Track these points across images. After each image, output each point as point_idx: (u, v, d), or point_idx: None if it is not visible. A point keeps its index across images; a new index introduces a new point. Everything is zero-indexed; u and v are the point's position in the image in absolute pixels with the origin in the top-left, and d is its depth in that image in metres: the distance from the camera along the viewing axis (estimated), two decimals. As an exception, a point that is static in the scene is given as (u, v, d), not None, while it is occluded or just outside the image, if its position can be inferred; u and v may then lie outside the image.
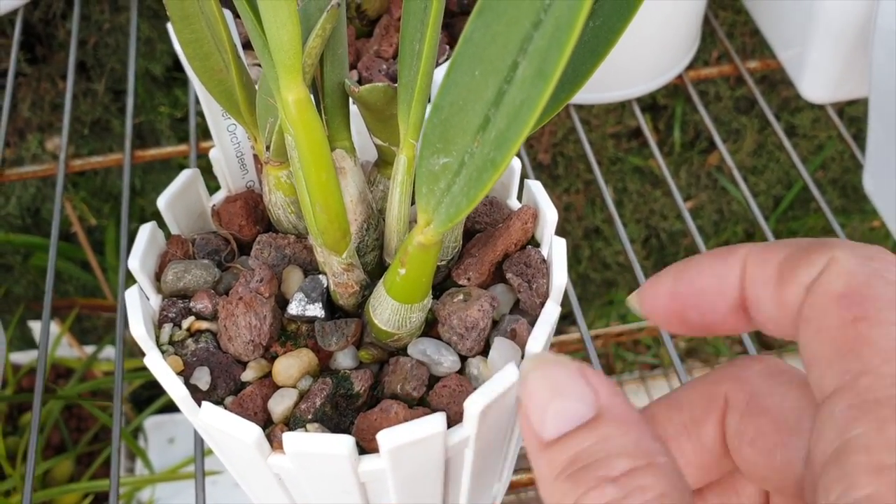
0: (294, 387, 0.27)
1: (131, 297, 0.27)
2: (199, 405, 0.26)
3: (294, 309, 0.28)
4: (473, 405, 0.25)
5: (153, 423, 0.91)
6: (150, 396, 0.94)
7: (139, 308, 0.27)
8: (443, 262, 0.29)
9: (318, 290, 0.28)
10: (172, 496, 0.88)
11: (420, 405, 0.27)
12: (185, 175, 0.30)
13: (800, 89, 0.54)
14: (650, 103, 0.90)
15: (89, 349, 0.94)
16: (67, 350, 0.94)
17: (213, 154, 0.31)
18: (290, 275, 0.29)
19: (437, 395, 0.27)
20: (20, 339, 0.96)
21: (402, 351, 0.28)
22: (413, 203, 0.28)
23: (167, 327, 0.28)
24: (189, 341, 0.28)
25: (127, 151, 0.49)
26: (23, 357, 0.90)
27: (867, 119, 0.91)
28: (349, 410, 0.27)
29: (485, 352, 0.28)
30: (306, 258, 0.29)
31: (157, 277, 0.29)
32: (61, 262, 0.91)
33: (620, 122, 0.92)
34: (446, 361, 0.27)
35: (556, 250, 0.28)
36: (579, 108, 0.75)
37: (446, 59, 0.37)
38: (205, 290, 0.28)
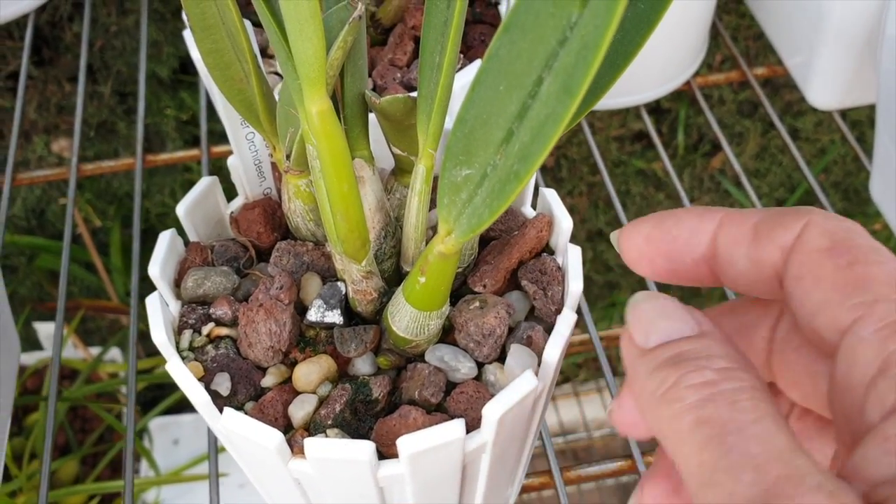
0: (314, 392, 0.27)
1: (152, 303, 0.27)
2: (220, 411, 0.26)
3: (313, 315, 0.28)
4: (492, 412, 0.25)
5: (158, 425, 0.91)
6: (154, 398, 0.95)
7: (160, 314, 0.27)
8: (459, 270, 0.29)
9: (336, 296, 0.28)
10: (177, 497, 0.88)
11: (438, 411, 0.27)
12: (203, 183, 0.30)
13: (806, 96, 0.54)
14: (654, 106, 0.90)
15: (93, 350, 0.94)
16: (71, 351, 0.95)
17: (231, 161, 0.31)
18: (309, 282, 0.29)
19: (454, 401, 0.27)
20: (25, 341, 0.97)
21: (420, 357, 0.28)
22: (432, 209, 0.28)
23: (187, 333, 0.28)
24: (209, 347, 0.28)
25: (139, 156, 0.49)
26: (28, 358, 0.91)
27: (872, 124, 0.91)
28: (368, 416, 0.27)
29: (501, 358, 0.28)
30: (324, 265, 0.29)
31: (177, 284, 0.30)
32: (66, 263, 0.92)
33: (624, 125, 0.92)
34: (464, 368, 0.27)
35: (571, 258, 0.29)
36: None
37: (460, 69, 0.37)
38: (224, 297, 0.29)
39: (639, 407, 0.21)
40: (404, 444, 0.24)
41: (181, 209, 0.30)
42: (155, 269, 0.28)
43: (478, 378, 0.28)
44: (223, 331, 0.28)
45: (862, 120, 0.93)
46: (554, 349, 0.26)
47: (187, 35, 0.28)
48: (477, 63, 0.37)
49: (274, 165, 0.31)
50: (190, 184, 0.91)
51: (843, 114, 0.91)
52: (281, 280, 0.27)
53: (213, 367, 0.27)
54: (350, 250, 0.27)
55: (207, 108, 0.55)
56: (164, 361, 0.87)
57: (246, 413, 0.26)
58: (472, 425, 0.26)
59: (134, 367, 0.43)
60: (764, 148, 0.96)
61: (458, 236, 0.23)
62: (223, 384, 0.27)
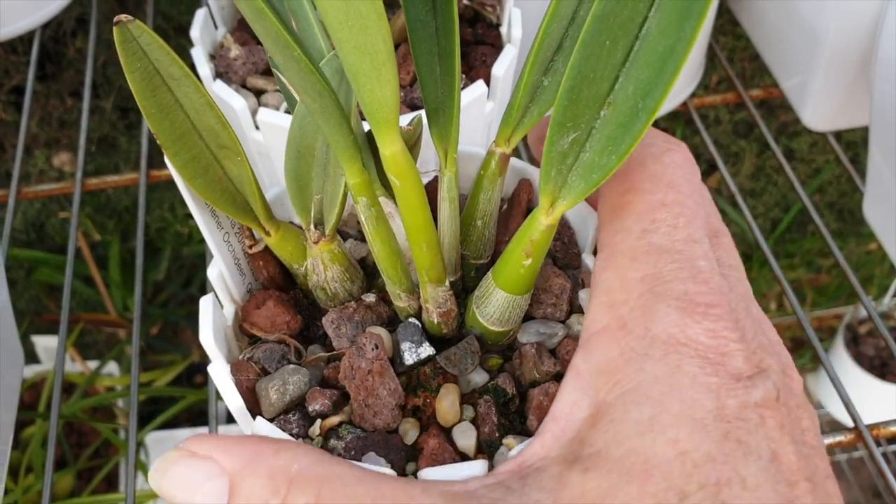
0: (462, 420, 0.27)
1: (262, 427, 0.26)
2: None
3: (410, 358, 0.27)
4: None
5: (154, 439, 0.91)
6: (150, 412, 0.95)
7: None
8: (484, 262, 0.30)
9: (417, 332, 0.28)
10: (173, 512, 0.88)
11: (555, 379, 0.27)
12: (208, 305, 0.28)
13: (802, 117, 0.55)
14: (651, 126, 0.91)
15: (91, 364, 0.94)
16: (69, 364, 0.95)
17: (212, 273, 0.29)
18: (369, 331, 0.28)
19: (564, 361, 0.27)
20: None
21: (510, 347, 0.29)
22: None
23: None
24: (332, 442, 0.26)
25: (143, 171, 0.50)
26: (25, 371, 0.91)
27: (866, 145, 0.92)
28: (513, 415, 0.27)
29: (572, 311, 0.29)
30: (372, 316, 0.29)
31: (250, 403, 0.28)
32: (63, 276, 0.92)
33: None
34: (558, 331, 0.28)
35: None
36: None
37: (464, 87, 0.38)
38: (313, 391, 0.27)
39: None
40: None
41: (208, 339, 0.28)
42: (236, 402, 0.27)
43: (567, 336, 0.29)
44: (334, 420, 0.27)
45: (857, 141, 0.94)
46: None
47: (168, 162, 0.27)
48: (480, 83, 0.38)
49: (254, 257, 0.30)
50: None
51: (838, 135, 0.92)
52: (372, 341, 0.27)
53: (353, 454, 0.26)
54: (435, 276, 0.27)
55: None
56: (161, 374, 0.86)
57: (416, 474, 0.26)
58: None
59: (136, 380, 0.43)
60: (759, 168, 0.97)
61: (570, 200, 0.24)
62: (379, 463, 0.26)
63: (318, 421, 0.26)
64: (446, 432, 0.27)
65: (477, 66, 0.40)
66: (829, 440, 0.42)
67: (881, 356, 1.00)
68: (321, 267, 0.28)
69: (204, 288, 1.02)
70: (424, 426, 0.27)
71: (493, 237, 0.30)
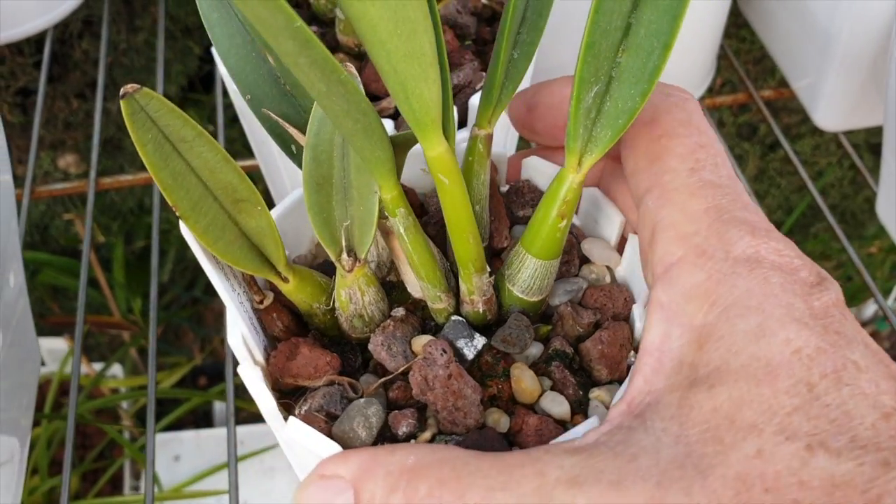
0: (543, 391, 0.27)
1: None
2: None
3: (469, 353, 0.28)
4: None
5: (159, 441, 0.91)
6: (157, 413, 0.95)
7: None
8: (483, 245, 0.30)
9: (464, 327, 0.28)
10: (177, 514, 0.88)
11: (595, 327, 0.29)
12: (253, 374, 0.27)
13: (813, 118, 0.55)
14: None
15: (95, 366, 0.94)
16: (71, 366, 0.95)
17: (235, 339, 0.27)
18: (419, 342, 0.28)
19: (592, 306, 0.30)
20: (26, 356, 0.97)
21: (544, 314, 0.30)
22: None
23: None
24: None
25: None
26: (30, 373, 0.90)
27: (869, 148, 0.93)
28: (579, 371, 0.28)
29: (581, 264, 0.31)
30: (409, 329, 0.29)
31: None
32: (67, 278, 0.92)
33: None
34: (581, 284, 0.30)
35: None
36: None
37: (481, 87, 0.38)
38: (396, 415, 0.27)
39: None
40: None
41: (270, 406, 0.27)
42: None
43: (588, 286, 0.30)
44: (427, 435, 0.26)
45: (859, 143, 0.94)
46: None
47: (187, 234, 0.26)
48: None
49: (265, 311, 0.29)
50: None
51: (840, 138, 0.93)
52: (438, 347, 0.27)
53: None
54: (479, 265, 0.27)
55: (225, 126, 0.55)
56: (165, 377, 0.86)
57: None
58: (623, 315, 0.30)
59: (153, 379, 0.43)
60: (762, 171, 0.97)
61: (598, 152, 0.25)
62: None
63: (412, 442, 0.26)
64: (532, 409, 0.27)
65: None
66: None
67: (884, 358, 1.00)
68: (358, 293, 0.28)
69: (207, 290, 1.02)
70: (510, 411, 0.27)
71: (489, 220, 0.30)
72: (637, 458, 0.21)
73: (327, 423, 0.26)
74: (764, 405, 0.21)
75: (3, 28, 0.55)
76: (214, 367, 1.06)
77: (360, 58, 0.41)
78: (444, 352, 0.26)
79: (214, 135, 0.77)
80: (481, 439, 0.26)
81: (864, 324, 1.04)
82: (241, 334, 0.27)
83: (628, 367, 0.28)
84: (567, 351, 0.28)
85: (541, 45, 0.28)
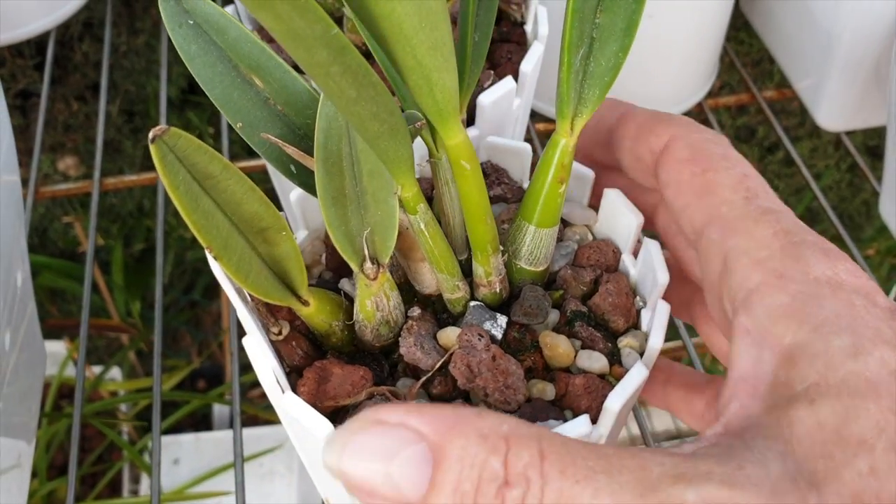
0: (576, 351, 0.28)
1: None
2: None
3: (498, 333, 0.28)
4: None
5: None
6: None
7: None
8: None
9: (485, 310, 0.28)
10: (177, 517, 0.88)
11: (594, 284, 0.30)
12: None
13: (816, 118, 0.55)
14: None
15: (95, 368, 0.94)
16: (70, 369, 0.94)
17: (268, 378, 0.27)
18: (449, 335, 0.29)
19: (594, 264, 0.31)
20: (24, 359, 0.96)
21: (549, 279, 0.31)
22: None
23: None
24: None
25: (161, 171, 0.50)
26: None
27: (867, 150, 0.93)
28: (598, 327, 0.29)
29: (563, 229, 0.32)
30: (429, 325, 0.29)
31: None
32: (66, 281, 0.92)
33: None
34: (572, 246, 0.31)
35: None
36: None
37: (491, 85, 0.38)
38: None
39: None
40: None
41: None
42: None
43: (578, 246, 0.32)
44: None
45: (857, 146, 0.95)
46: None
47: (220, 276, 0.26)
48: (509, 79, 0.38)
49: (285, 340, 0.29)
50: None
51: (838, 141, 0.93)
52: (476, 331, 0.27)
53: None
54: (495, 246, 0.28)
55: (230, 130, 0.55)
56: (164, 379, 0.86)
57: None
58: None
59: (158, 379, 0.43)
60: (761, 173, 0.98)
61: (587, 111, 0.26)
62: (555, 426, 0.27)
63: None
64: (568, 371, 0.28)
65: (502, 63, 0.40)
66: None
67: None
68: (384, 300, 0.28)
69: (206, 293, 1.01)
70: (549, 379, 0.28)
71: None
72: (744, 468, 0.20)
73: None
74: (871, 420, 0.20)
75: (4, 29, 0.55)
76: (213, 370, 1.06)
77: (366, 56, 0.41)
78: (482, 336, 0.27)
79: (217, 137, 0.77)
80: (534, 411, 0.26)
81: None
82: (271, 368, 0.27)
83: (638, 312, 0.30)
84: (583, 310, 0.29)
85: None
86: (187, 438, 0.92)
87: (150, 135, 0.21)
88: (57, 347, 0.90)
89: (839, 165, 0.98)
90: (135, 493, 0.92)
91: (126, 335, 0.96)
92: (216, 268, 0.25)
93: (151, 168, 0.86)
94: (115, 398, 0.87)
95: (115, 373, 0.93)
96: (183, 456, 0.91)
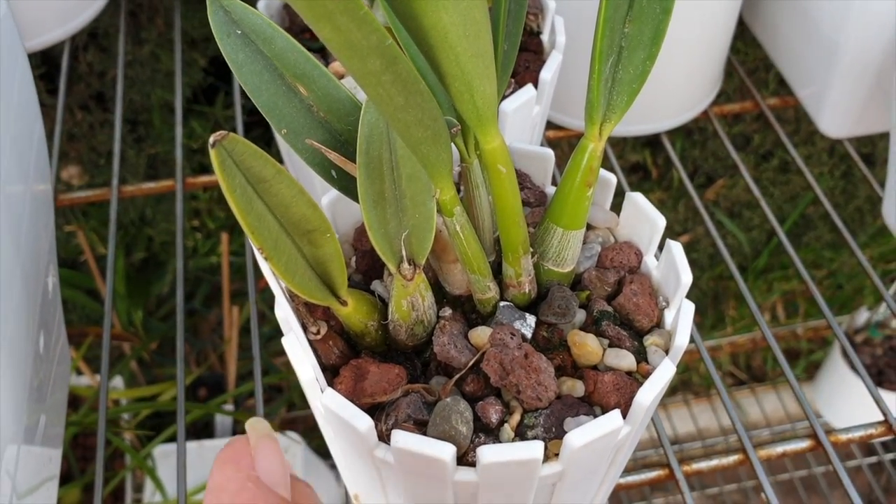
0: (603, 349, 0.29)
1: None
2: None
3: (528, 332, 0.29)
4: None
5: (161, 452, 0.91)
6: (156, 426, 0.95)
7: None
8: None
9: (514, 310, 0.29)
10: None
11: (619, 285, 0.31)
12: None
13: (818, 125, 0.56)
14: (650, 139, 0.93)
15: (95, 377, 0.94)
16: (74, 378, 0.95)
17: (306, 376, 0.28)
18: (480, 334, 0.29)
19: (609, 263, 0.32)
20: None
21: (574, 280, 0.32)
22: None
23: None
24: (530, 434, 0.27)
25: (178, 178, 0.51)
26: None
27: (863, 158, 0.94)
28: (622, 326, 0.30)
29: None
30: (459, 325, 0.30)
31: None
32: (68, 290, 0.92)
33: (621, 156, 0.94)
34: (596, 248, 0.32)
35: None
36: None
37: (511, 93, 0.39)
38: (483, 405, 0.28)
39: None
40: None
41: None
42: None
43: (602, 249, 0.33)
44: (516, 417, 0.28)
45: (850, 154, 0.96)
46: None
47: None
48: (529, 87, 0.39)
49: (322, 340, 0.30)
50: (195, 212, 0.92)
51: (832, 147, 0.94)
52: (508, 330, 0.28)
53: (555, 432, 0.27)
54: (525, 247, 0.29)
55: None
56: (167, 388, 0.86)
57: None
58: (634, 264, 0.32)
59: (182, 381, 0.44)
60: (756, 180, 0.99)
61: (616, 117, 0.27)
62: (587, 422, 0.27)
63: (505, 426, 0.27)
64: (596, 369, 0.29)
65: (521, 71, 0.41)
66: (860, 433, 0.44)
67: (877, 364, 1.02)
68: (419, 299, 0.28)
69: (206, 303, 1.02)
70: (578, 377, 0.29)
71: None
72: None
73: (419, 429, 0.27)
74: None
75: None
76: (214, 379, 1.06)
77: None
78: (514, 335, 0.28)
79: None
80: (566, 407, 0.27)
81: (856, 331, 1.05)
82: (311, 366, 0.28)
83: (661, 312, 0.31)
84: (608, 310, 0.30)
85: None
86: (191, 446, 0.92)
87: (211, 140, 0.22)
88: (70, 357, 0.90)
89: (833, 172, 0.99)
90: (138, 501, 0.93)
91: (127, 344, 0.96)
92: (265, 268, 0.26)
93: (155, 177, 0.87)
94: (118, 407, 0.87)
95: (117, 381, 0.94)
96: (186, 463, 0.92)
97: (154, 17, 0.78)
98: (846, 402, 1.04)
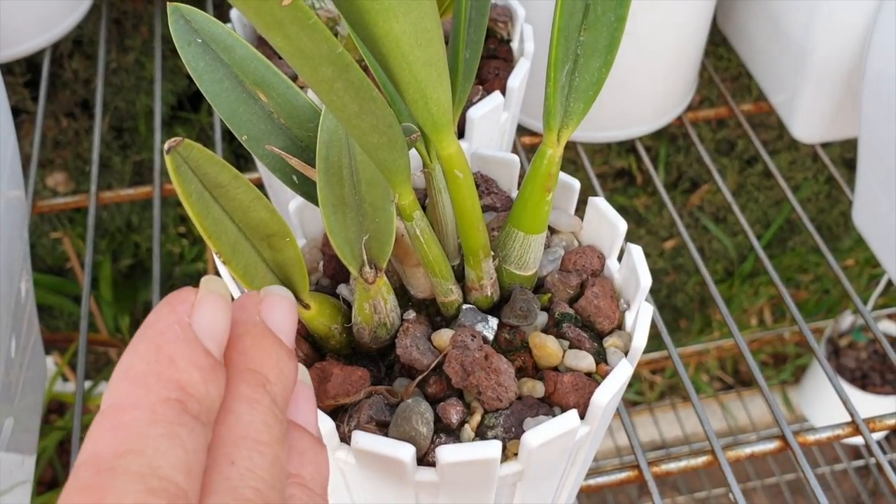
0: (564, 353, 0.30)
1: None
2: None
3: (490, 334, 0.30)
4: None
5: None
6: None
7: None
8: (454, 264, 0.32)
9: (476, 312, 0.30)
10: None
11: (581, 287, 0.32)
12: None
13: (791, 131, 0.57)
14: (634, 145, 0.93)
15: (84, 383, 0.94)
16: (60, 384, 0.95)
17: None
18: (443, 336, 0.30)
19: (580, 270, 0.32)
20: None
21: (537, 284, 0.32)
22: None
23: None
24: (490, 433, 0.28)
25: (157, 184, 0.51)
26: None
27: (844, 162, 0.95)
28: (584, 328, 0.31)
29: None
30: (423, 327, 0.30)
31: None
32: (54, 296, 0.92)
33: (606, 162, 0.95)
34: (559, 252, 0.33)
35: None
36: (571, 148, 0.78)
37: (479, 100, 0.40)
38: (444, 406, 0.28)
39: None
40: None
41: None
42: None
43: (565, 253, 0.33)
44: (477, 418, 0.28)
45: (834, 158, 0.97)
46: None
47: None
48: (497, 94, 0.39)
49: None
50: (182, 219, 0.92)
51: (816, 152, 0.95)
52: (469, 332, 0.28)
53: (514, 431, 0.28)
54: (486, 251, 0.29)
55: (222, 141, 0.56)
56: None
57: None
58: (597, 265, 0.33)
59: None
60: (740, 185, 1.00)
61: (573, 124, 0.28)
62: (544, 422, 0.28)
63: (465, 427, 0.28)
64: (556, 370, 0.29)
65: (490, 78, 0.42)
66: (827, 433, 0.44)
67: (861, 368, 1.03)
68: (381, 302, 0.29)
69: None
70: (538, 378, 0.29)
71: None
72: None
73: (381, 430, 0.28)
74: None
75: (1, 47, 0.56)
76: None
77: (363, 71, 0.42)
78: (474, 336, 0.28)
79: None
80: (526, 408, 0.28)
81: (841, 335, 1.06)
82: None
83: (622, 314, 0.31)
84: (570, 312, 0.30)
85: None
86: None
87: (166, 146, 0.22)
88: (46, 363, 0.91)
89: (817, 177, 1.00)
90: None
91: (114, 350, 0.96)
92: (224, 272, 0.26)
93: (141, 183, 0.87)
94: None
95: (104, 388, 0.94)
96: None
97: (138, 24, 0.78)
98: (825, 405, 1.04)
